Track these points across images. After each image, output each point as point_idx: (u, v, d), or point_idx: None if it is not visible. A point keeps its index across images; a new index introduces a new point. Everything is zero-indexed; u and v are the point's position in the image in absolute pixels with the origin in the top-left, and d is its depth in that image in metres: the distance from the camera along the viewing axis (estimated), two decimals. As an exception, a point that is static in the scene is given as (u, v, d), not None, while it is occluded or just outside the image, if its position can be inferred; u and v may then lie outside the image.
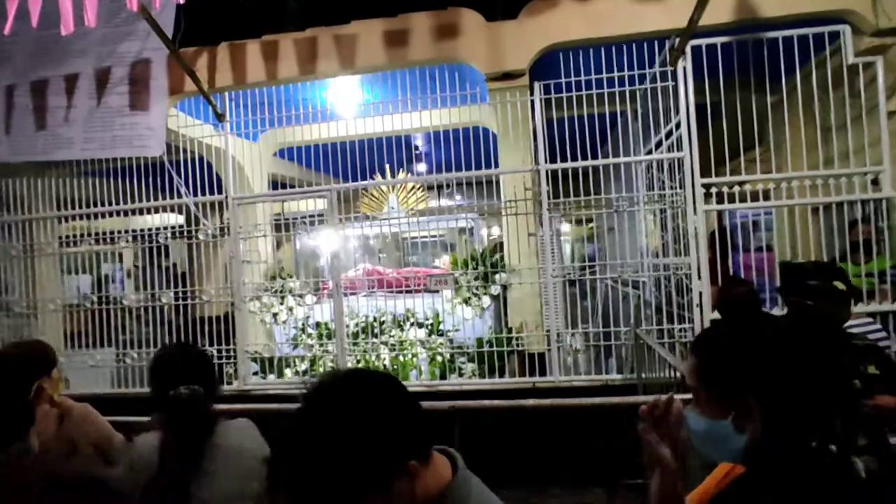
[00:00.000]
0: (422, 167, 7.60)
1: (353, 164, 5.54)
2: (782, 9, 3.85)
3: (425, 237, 7.73)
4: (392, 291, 5.83)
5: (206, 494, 1.62)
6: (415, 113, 4.94)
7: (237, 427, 1.78)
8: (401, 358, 5.33)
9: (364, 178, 5.51)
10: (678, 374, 3.87)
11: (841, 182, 3.93)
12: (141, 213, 6.01)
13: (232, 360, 5.38)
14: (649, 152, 4.60)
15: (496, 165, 4.93)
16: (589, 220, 9.01)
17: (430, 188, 6.76)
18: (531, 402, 3.28)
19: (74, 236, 6.23)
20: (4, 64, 4.92)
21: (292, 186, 7.08)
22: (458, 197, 9.39)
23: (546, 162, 4.14)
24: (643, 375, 3.96)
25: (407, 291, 5.80)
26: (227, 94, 4.62)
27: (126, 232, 6.06)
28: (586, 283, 4.76)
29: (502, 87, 4.24)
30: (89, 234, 5.87)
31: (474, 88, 4.53)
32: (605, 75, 4.13)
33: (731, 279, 3.21)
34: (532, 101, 4.21)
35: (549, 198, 4.07)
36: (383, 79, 5.24)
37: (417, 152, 7.50)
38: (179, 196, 5.16)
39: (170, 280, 6.27)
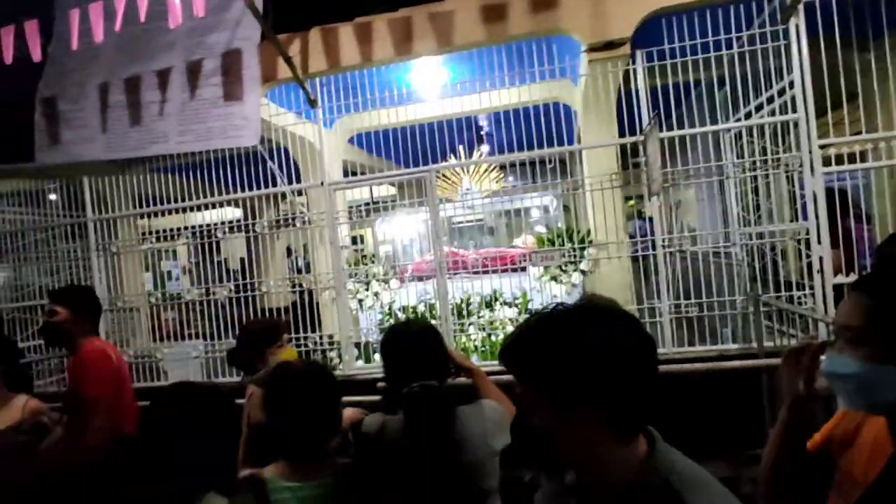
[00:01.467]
0: (485, 148, 7.54)
1: (420, 149, 5.53)
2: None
3: (475, 220, 7.71)
4: (476, 272, 5.82)
5: (438, 481, 1.57)
6: (494, 91, 4.92)
7: (477, 414, 1.69)
8: (492, 338, 5.33)
9: (433, 162, 5.47)
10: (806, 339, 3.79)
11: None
12: (210, 207, 6.15)
13: (319, 347, 5.47)
14: (746, 117, 4.49)
15: (569, 142, 4.89)
16: (629, 198, 8.87)
17: (501, 168, 6.73)
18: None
19: (143, 234, 6.37)
20: (93, 63, 5.00)
21: (363, 173, 7.11)
22: (510, 178, 9.34)
23: (658, 130, 4.04)
24: (763, 343, 3.89)
25: (486, 272, 5.78)
26: (317, 80, 4.62)
27: (215, 225, 6.19)
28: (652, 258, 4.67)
29: (603, 58, 4.15)
30: (151, 233, 6.00)
31: (561, 62, 4.47)
32: (710, 38, 4.01)
33: (892, 235, 3.11)
34: (634, 70, 4.12)
35: (663, 167, 3.98)
36: (466, 58, 5.20)
37: (484, 133, 7.46)
38: (274, 185, 5.22)
39: (223, 275, 6.44)
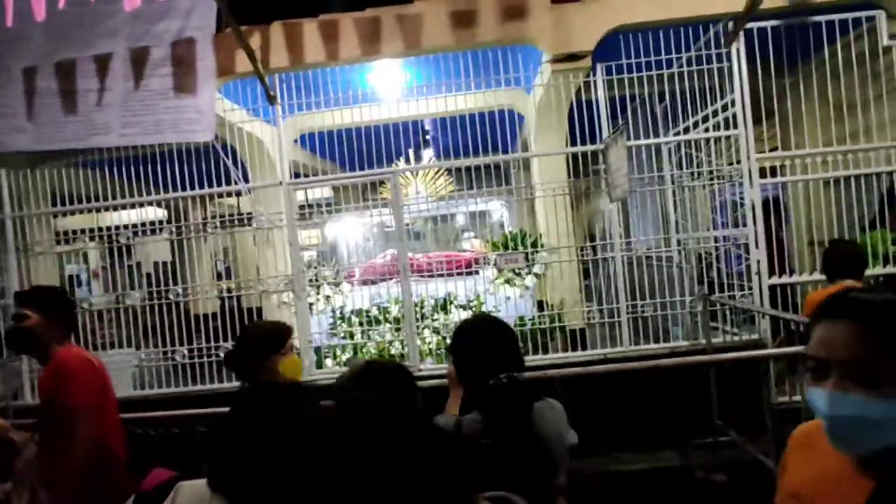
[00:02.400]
0: (428, 152, 7.58)
1: (365, 151, 5.50)
2: (828, -5, 4.16)
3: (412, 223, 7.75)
4: (431, 275, 5.82)
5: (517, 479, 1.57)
6: (448, 96, 5.06)
7: (549, 410, 1.68)
8: (447, 341, 5.36)
9: (376, 165, 5.41)
10: (757, 335, 4.16)
11: (870, 155, 4.32)
12: (134, 207, 5.76)
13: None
14: (684, 132, 4.85)
15: (508, 149, 5.12)
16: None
17: (448, 172, 6.79)
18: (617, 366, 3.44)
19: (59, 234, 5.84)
20: (20, 44, 4.55)
21: (306, 175, 6.93)
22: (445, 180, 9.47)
23: (625, 139, 4.25)
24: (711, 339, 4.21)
25: (441, 275, 5.82)
26: (277, 76, 4.46)
27: (141, 224, 5.79)
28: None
29: (565, 69, 4.34)
30: (66, 233, 5.51)
31: (516, 72, 4.66)
32: (663, 56, 4.31)
33: (835, 240, 3.48)
34: (593, 82, 4.34)
35: (632, 174, 4.20)
36: (429, 62, 5.27)
37: (428, 137, 7.49)
38: (210, 184, 4.97)
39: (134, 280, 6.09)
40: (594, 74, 4.35)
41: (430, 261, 6.13)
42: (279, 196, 5.59)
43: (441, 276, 5.72)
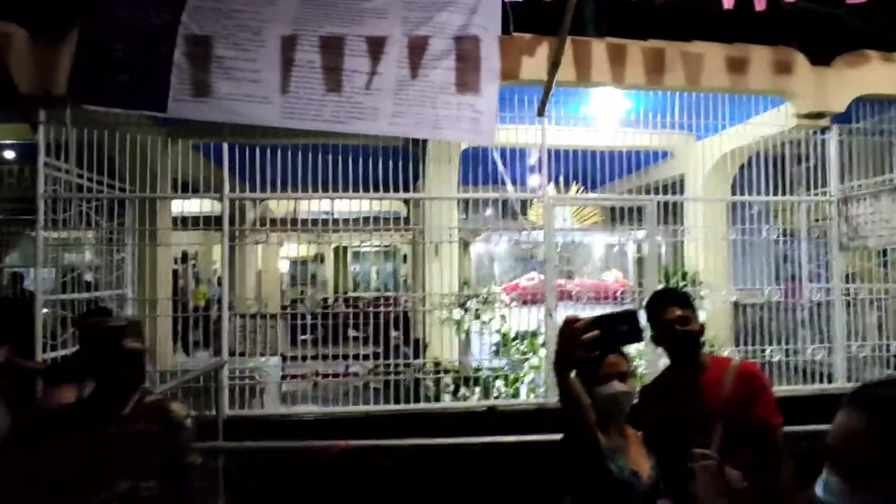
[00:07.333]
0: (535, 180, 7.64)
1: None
2: None
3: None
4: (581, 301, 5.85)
5: None
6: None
7: None
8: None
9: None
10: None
11: None
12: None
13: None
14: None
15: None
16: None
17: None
18: None
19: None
20: (269, 8, 4.08)
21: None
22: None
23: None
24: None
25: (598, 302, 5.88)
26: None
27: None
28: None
29: (809, 125, 4.73)
30: None
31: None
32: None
33: None
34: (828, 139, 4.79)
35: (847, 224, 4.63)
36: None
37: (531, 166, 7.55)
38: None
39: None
40: (827, 132, 4.81)
41: (581, 289, 6.18)
42: (452, 207, 5.41)
43: (598, 302, 5.80)
